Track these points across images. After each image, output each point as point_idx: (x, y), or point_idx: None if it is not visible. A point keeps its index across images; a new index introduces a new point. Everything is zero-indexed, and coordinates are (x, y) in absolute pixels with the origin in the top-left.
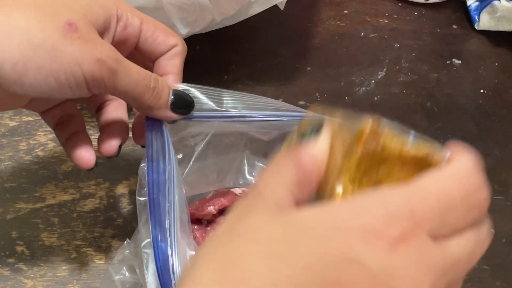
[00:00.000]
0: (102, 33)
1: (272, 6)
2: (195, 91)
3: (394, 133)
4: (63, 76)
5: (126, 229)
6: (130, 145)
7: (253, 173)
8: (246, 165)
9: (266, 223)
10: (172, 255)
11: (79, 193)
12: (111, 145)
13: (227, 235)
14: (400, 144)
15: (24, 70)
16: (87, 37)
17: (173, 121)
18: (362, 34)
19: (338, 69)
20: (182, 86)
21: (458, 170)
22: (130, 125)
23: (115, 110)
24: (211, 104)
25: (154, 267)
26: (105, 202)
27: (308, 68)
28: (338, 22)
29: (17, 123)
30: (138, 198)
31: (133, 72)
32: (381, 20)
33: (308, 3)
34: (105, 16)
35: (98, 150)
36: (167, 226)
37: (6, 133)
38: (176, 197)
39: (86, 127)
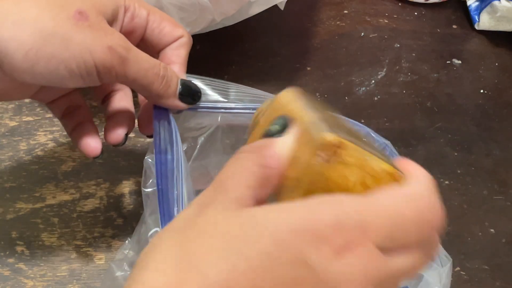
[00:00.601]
0: (110, 23)
1: (272, 6)
2: (200, 83)
3: (357, 148)
4: (74, 64)
5: (126, 229)
6: (130, 145)
7: None
8: None
9: (224, 218)
10: None
11: (79, 193)
12: (118, 133)
13: (186, 226)
14: (361, 159)
15: (36, 59)
16: (98, 26)
17: (179, 111)
18: (362, 34)
19: (338, 69)
20: (189, 77)
21: (414, 191)
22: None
23: (121, 100)
24: (217, 96)
25: None
26: (105, 202)
27: (308, 68)
28: (338, 22)
29: (17, 123)
30: (144, 189)
31: (143, 60)
32: (381, 20)
33: (308, 3)
34: (113, 6)
35: (104, 139)
36: (175, 213)
37: (6, 133)
38: (184, 185)
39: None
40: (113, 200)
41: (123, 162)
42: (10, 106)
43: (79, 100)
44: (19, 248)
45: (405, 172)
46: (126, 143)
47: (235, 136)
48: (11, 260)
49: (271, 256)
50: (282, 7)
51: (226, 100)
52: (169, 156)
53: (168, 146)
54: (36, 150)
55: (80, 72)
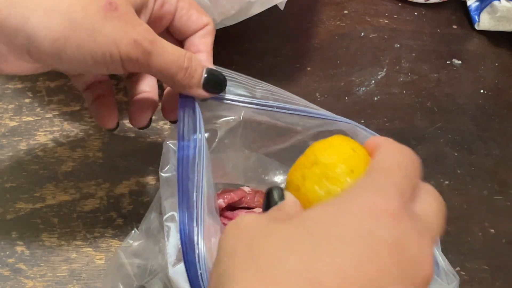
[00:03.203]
0: (139, 10)
1: (272, 6)
2: (228, 74)
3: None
4: (100, 55)
5: (126, 229)
6: (130, 145)
7: (265, 176)
8: (259, 165)
9: (280, 226)
10: (198, 226)
11: (79, 193)
12: (143, 117)
13: (250, 246)
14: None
15: (63, 47)
16: (126, 17)
17: (204, 99)
18: (362, 34)
19: (338, 69)
20: (215, 67)
21: (389, 147)
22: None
23: (146, 81)
24: (242, 90)
25: (176, 239)
26: (105, 202)
27: (308, 68)
28: (338, 22)
29: (17, 123)
30: (162, 174)
31: (167, 52)
32: (381, 20)
33: (308, 3)
34: None
35: (130, 122)
36: (194, 198)
37: (6, 133)
38: (205, 173)
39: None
40: (113, 200)
41: (123, 162)
42: (10, 106)
43: (104, 76)
44: (19, 248)
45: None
46: (126, 143)
47: (255, 133)
48: (11, 260)
49: (339, 245)
50: (282, 7)
51: (252, 95)
52: (191, 143)
53: (192, 133)
54: (36, 150)
55: (105, 62)
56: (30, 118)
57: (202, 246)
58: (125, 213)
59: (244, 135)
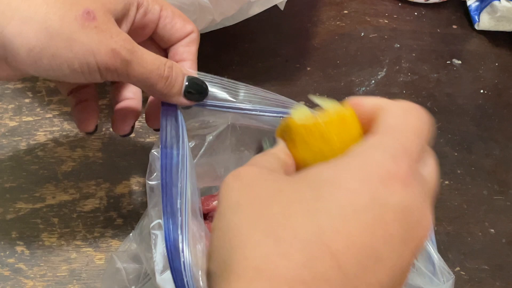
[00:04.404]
0: (120, 19)
1: (272, 6)
2: (210, 80)
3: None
4: (77, 64)
5: (126, 229)
6: (130, 145)
7: None
8: None
9: (287, 185)
10: (182, 234)
11: (79, 193)
12: (125, 125)
13: (257, 202)
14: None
15: (39, 56)
16: (104, 27)
17: (187, 107)
18: (362, 34)
19: (338, 69)
20: (198, 74)
21: (402, 106)
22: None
23: (130, 86)
24: (225, 95)
25: (162, 247)
26: (105, 202)
27: (308, 68)
28: (338, 22)
29: (17, 123)
30: (148, 182)
31: (147, 62)
32: (381, 20)
33: (308, 3)
34: (125, 2)
35: (112, 129)
36: (178, 206)
37: (6, 133)
38: (188, 179)
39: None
40: (113, 200)
41: (123, 162)
42: (10, 106)
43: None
44: (19, 248)
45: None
46: (126, 143)
47: (244, 135)
48: (11, 260)
49: (348, 207)
50: (282, 7)
51: (235, 100)
52: (174, 151)
53: (174, 141)
54: (36, 150)
55: (83, 72)
56: (30, 118)
57: (187, 254)
58: (125, 213)
59: (234, 138)
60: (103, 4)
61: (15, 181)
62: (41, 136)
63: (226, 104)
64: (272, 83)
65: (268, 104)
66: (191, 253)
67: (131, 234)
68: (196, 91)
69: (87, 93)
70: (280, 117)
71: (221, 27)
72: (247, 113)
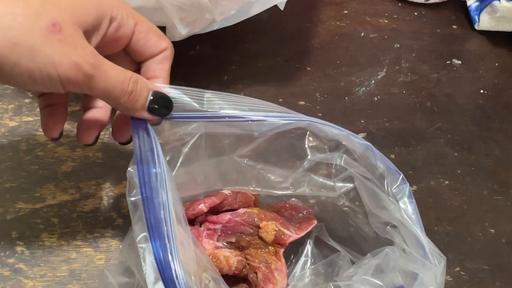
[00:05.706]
0: (90, 32)
1: (272, 6)
2: (177, 92)
3: None
4: (38, 75)
5: (126, 229)
6: (130, 145)
7: (240, 176)
8: (233, 168)
9: None
10: (170, 242)
11: (79, 193)
12: (89, 134)
13: None
14: None
15: (0, 64)
16: (69, 39)
17: (156, 123)
18: (362, 34)
19: (338, 69)
20: (164, 87)
21: None
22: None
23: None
24: (194, 105)
25: (151, 258)
26: (105, 202)
27: (308, 68)
28: (338, 22)
29: (17, 123)
30: (129, 199)
31: (110, 77)
32: (381, 20)
33: (308, 3)
34: (97, 15)
35: (77, 137)
36: (162, 216)
37: (6, 133)
38: (169, 190)
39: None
40: (113, 200)
41: (123, 162)
42: (10, 106)
43: None
44: (19, 248)
45: None
46: (126, 143)
47: (219, 143)
48: (11, 260)
49: None
50: (282, 7)
51: (199, 107)
52: (150, 165)
53: (149, 155)
54: (36, 150)
55: (43, 82)
56: (30, 118)
57: (177, 262)
58: (125, 213)
59: (209, 146)
60: (72, 16)
61: (15, 181)
62: (41, 136)
63: (193, 114)
64: (272, 83)
65: (239, 110)
66: (181, 261)
67: (121, 246)
68: (161, 106)
69: (58, 97)
70: (249, 121)
71: (221, 27)
72: (216, 121)
